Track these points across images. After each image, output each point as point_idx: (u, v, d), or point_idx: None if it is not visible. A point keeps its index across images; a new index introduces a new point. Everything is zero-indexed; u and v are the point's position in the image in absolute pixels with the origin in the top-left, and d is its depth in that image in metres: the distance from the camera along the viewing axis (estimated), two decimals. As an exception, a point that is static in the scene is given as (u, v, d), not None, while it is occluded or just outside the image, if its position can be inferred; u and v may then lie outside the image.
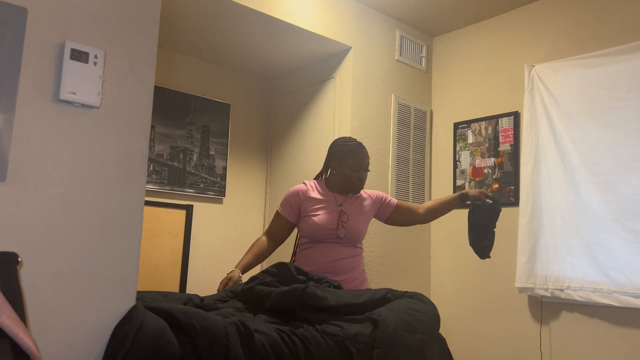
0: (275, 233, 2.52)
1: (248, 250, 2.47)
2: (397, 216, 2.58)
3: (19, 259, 1.08)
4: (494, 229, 2.56)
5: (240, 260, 2.39)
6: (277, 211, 2.55)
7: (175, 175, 3.75)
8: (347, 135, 3.52)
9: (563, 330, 3.16)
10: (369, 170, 2.51)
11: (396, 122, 3.79)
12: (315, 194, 2.48)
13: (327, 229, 2.38)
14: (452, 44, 4.01)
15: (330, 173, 2.54)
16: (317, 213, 2.42)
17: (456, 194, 2.59)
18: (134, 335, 1.20)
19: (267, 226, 4.11)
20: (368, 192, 2.57)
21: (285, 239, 2.56)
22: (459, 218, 3.78)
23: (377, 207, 2.54)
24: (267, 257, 2.52)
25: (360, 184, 2.49)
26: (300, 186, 2.54)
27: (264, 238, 2.52)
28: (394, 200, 2.59)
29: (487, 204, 2.51)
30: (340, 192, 2.49)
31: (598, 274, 2.97)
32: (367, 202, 2.52)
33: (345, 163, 2.45)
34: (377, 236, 3.56)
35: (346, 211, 2.43)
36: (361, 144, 2.54)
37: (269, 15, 3.20)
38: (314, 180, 2.57)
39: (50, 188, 1.20)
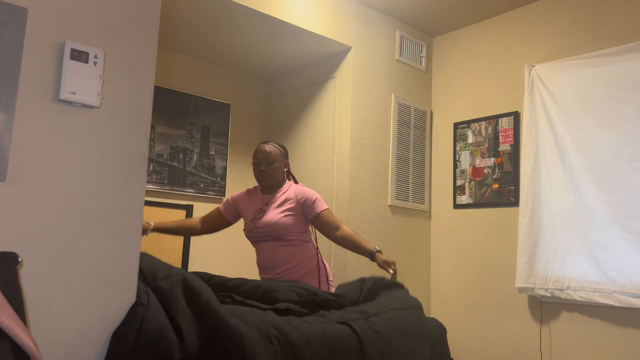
0: (207, 217, 2.77)
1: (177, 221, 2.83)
2: (317, 224, 2.55)
3: (19, 259, 1.08)
4: None
5: (163, 223, 2.66)
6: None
7: (175, 175, 3.75)
8: (347, 136, 3.53)
9: (563, 330, 3.16)
10: (272, 164, 2.54)
11: (396, 122, 3.78)
12: (248, 199, 2.66)
13: (248, 230, 2.57)
14: (452, 44, 4.01)
15: None
16: (245, 219, 2.63)
17: (373, 249, 2.41)
18: (135, 336, 1.20)
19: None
20: (299, 190, 2.56)
21: (215, 229, 2.76)
22: (459, 218, 3.79)
23: (301, 206, 2.53)
24: (188, 234, 2.85)
25: (259, 176, 2.57)
26: (242, 191, 2.72)
27: (197, 219, 2.79)
28: (320, 209, 2.51)
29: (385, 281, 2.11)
30: (267, 193, 2.61)
31: (598, 274, 2.97)
32: (290, 202, 2.52)
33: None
34: (377, 236, 3.56)
35: (265, 209, 2.54)
36: (269, 141, 2.63)
37: (269, 15, 3.19)
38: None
39: (50, 188, 1.20)
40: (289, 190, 2.57)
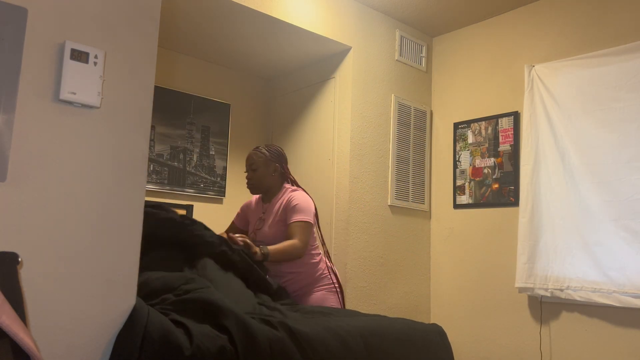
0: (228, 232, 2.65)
1: None
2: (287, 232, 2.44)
3: (19, 259, 1.08)
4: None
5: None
6: None
7: (175, 175, 3.75)
8: (347, 136, 3.53)
9: (563, 330, 3.16)
10: (255, 170, 2.52)
11: (396, 122, 3.78)
12: (254, 207, 2.64)
13: (252, 240, 2.36)
14: (452, 44, 4.01)
15: None
16: (250, 228, 2.60)
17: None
18: (142, 339, 1.19)
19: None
20: (290, 197, 2.46)
21: None
22: (459, 218, 3.79)
23: (284, 212, 2.44)
24: None
25: (246, 184, 2.56)
26: (253, 199, 2.69)
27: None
28: (296, 218, 2.37)
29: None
30: (265, 201, 2.59)
31: (598, 274, 2.97)
32: (281, 211, 2.44)
33: None
34: (377, 236, 3.56)
35: (265, 219, 2.51)
36: (258, 146, 2.59)
37: (269, 15, 3.19)
38: None
39: (50, 188, 1.20)
40: (284, 198, 2.49)
